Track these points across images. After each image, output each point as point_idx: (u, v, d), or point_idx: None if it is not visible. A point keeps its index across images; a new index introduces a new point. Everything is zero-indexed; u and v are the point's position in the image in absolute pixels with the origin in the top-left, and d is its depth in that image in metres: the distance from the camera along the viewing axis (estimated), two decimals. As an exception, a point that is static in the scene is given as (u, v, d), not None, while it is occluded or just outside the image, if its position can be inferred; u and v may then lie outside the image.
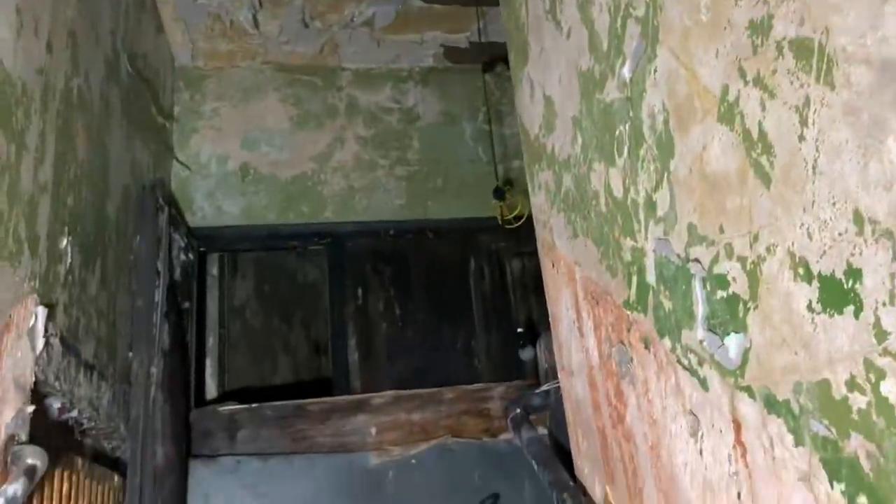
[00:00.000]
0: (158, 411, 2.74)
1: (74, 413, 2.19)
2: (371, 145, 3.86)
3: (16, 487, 1.61)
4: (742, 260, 1.07)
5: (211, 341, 3.65)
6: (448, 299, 3.76)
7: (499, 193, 3.30)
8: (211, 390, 3.60)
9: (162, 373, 2.77)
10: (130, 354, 2.69)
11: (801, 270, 0.94)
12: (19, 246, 1.84)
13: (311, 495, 3.02)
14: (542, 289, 2.22)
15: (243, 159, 3.69)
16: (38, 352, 1.88)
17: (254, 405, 3.14)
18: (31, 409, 1.78)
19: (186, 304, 3.31)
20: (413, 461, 3.12)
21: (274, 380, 4.52)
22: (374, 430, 3.15)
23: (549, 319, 2.16)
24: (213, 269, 3.86)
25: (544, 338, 2.66)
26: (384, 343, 3.66)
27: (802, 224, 0.93)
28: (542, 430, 2.35)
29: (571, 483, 1.87)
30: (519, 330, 3.65)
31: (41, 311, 1.90)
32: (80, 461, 2.21)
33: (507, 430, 2.75)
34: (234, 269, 4.28)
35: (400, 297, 3.74)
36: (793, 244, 0.95)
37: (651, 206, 1.35)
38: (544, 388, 2.38)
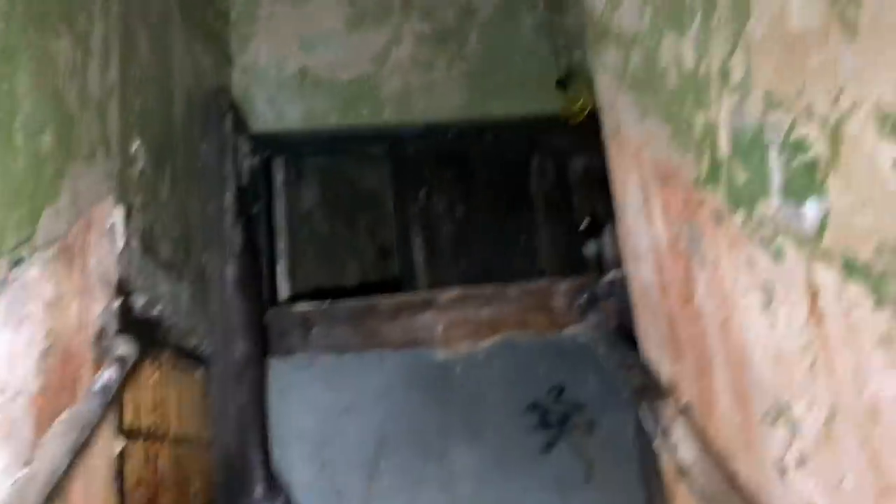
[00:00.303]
0: (234, 310, 2.86)
1: (157, 310, 2.30)
2: (428, 44, 3.77)
3: (110, 374, 1.72)
4: (823, 121, 1.02)
5: (281, 245, 3.74)
6: (510, 198, 3.74)
7: (562, 84, 3.21)
8: (283, 292, 3.72)
9: (235, 274, 2.87)
10: (204, 256, 2.79)
11: (886, 127, 0.89)
12: (93, 147, 1.90)
13: (383, 389, 3.14)
14: (605, 186, 2.18)
15: (302, 62, 3.66)
16: (119, 250, 1.96)
17: (326, 304, 3.24)
18: (118, 302, 1.88)
19: (255, 209, 3.38)
20: (479, 356, 3.19)
21: (343, 282, 4.62)
22: (441, 327, 3.22)
23: (615, 208, 2.13)
24: (279, 176, 3.91)
25: (609, 228, 2.63)
26: (448, 243, 3.69)
27: (890, 77, 0.87)
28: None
29: (639, 363, 1.89)
30: (582, 225, 3.62)
31: (119, 211, 1.97)
32: (166, 354, 2.34)
33: (573, 322, 2.78)
34: (298, 175, 4.33)
35: (462, 197, 3.74)
36: (879, 99, 0.90)
37: (725, 74, 1.29)
38: (610, 276, 2.38)
